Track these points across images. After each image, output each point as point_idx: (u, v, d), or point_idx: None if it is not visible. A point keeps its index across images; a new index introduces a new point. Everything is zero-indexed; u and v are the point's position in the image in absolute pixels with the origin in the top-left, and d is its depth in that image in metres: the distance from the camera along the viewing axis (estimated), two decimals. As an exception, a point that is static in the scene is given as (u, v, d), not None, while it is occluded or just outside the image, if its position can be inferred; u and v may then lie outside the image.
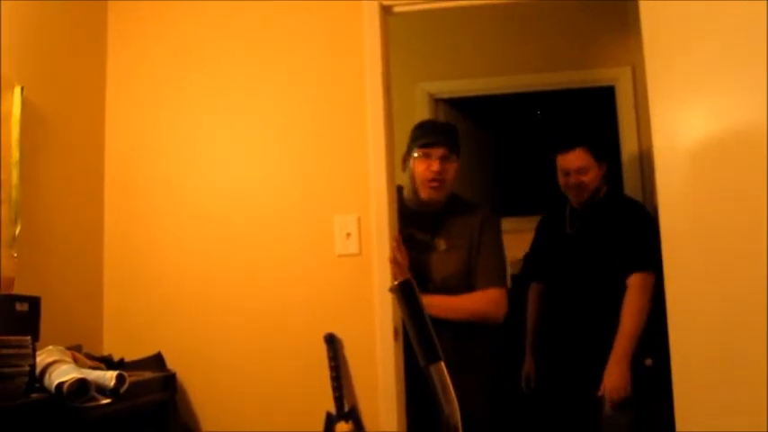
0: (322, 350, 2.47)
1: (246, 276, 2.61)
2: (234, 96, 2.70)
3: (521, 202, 4.69)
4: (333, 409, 2.44)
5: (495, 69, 4.15)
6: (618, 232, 3.00)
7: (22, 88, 2.26)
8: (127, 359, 2.39)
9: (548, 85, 4.19)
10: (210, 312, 2.62)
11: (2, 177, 2.16)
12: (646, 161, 3.72)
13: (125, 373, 1.90)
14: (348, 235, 2.54)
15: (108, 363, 2.26)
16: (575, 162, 3.06)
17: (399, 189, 2.74)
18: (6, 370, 1.67)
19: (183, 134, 2.72)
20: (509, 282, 2.89)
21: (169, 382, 2.38)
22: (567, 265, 3.16)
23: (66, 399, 1.73)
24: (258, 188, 2.65)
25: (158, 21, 2.79)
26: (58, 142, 2.51)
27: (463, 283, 2.64)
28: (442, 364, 1.16)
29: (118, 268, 2.70)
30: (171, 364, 2.50)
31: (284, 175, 2.64)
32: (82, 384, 1.76)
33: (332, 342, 2.47)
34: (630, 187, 3.85)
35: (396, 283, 1.22)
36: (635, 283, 2.89)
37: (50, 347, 1.94)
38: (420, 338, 1.18)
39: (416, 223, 2.69)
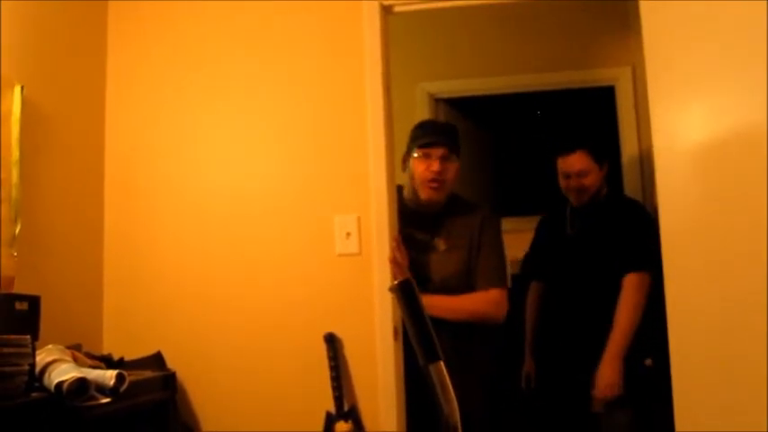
0: (322, 349, 2.47)
1: (246, 275, 2.62)
2: (234, 96, 2.70)
3: (521, 201, 4.69)
4: (332, 409, 2.44)
5: (494, 69, 4.14)
6: (617, 232, 3.00)
7: (23, 87, 2.26)
8: (127, 358, 2.39)
9: (548, 85, 4.19)
10: (210, 311, 2.62)
11: (2, 176, 2.16)
12: (646, 161, 3.71)
13: (125, 373, 1.90)
14: (348, 234, 2.54)
15: (108, 362, 2.26)
16: (575, 165, 3.06)
17: (399, 188, 2.74)
18: (6, 369, 1.67)
19: (182, 133, 2.72)
20: (509, 282, 2.88)
21: (169, 382, 2.38)
22: (568, 266, 3.16)
23: (65, 398, 1.73)
24: (258, 187, 2.65)
25: (158, 21, 2.79)
26: (59, 141, 2.51)
27: (463, 284, 2.64)
28: (442, 363, 1.17)
29: (118, 267, 2.70)
30: (171, 363, 2.50)
31: (284, 175, 2.64)
32: (82, 383, 1.76)
33: (332, 341, 2.47)
34: (630, 187, 3.85)
35: (395, 282, 1.22)
36: (630, 283, 2.90)
37: (50, 346, 1.94)
38: (419, 338, 1.18)
39: (416, 223, 2.69)
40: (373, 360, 2.48)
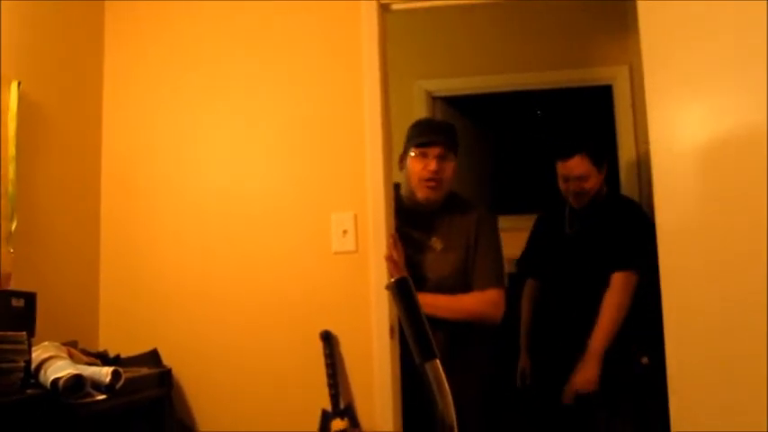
0: (318, 347, 2.47)
1: (243, 273, 2.61)
2: (231, 94, 2.70)
3: (518, 200, 4.69)
4: (328, 406, 2.44)
5: (492, 67, 4.14)
6: (611, 232, 3.02)
7: (20, 83, 2.26)
8: (123, 355, 2.39)
9: (545, 84, 4.18)
10: (207, 309, 2.62)
11: (-2, 173, 2.16)
12: (643, 160, 3.72)
13: (121, 370, 1.90)
14: (345, 232, 2.54)
15: (104, 359, 2.27)
16: (575, 170, 3.06)
17: (396, 186, 2.74)
18: (2, 365, 1.67)
19: (179, 131, 2.72)
20: (506, 281, 2.88)
21: (165, 379, 2.38)
22: (565, 265, 3.16)
23: (61, 395, 1.73)
24: (255, 185, 2.65)
25: (155, 20, 2.78)
26: (56, 138, 2.51)
27: (459, 284, 2.63)
28: (438, 361, 1.17)
29: (114, 264, 2.70)
30: (167, 360, 2.50)
31: (281, 173, 2.64)
32: (77, 380, 1.76)
33: (328, 339, 2.47)
34: (627, 186, 3.85)
35: (392, 280, 1.22)
36: (616, 282, 2.92)
37: (46, 343, 1.94)
38: (416, 336, 1.18)
39: (413, 222, 2.69)
40: (369, 358, 2.48)
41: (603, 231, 3.05)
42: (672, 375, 2.18)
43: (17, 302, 1.93)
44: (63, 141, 2.55)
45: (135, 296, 2.67)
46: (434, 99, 4.27)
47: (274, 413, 2.51)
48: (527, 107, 5.31)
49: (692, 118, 2.23)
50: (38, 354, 1.85)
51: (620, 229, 3.01)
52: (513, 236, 3.35)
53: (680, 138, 2.24)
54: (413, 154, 2.67)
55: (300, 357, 2.51)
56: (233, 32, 2.72)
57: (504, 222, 2.87)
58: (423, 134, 2.69)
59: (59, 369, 1.78)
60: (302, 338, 2.51)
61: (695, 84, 2.21)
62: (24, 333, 1.77)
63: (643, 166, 3.73)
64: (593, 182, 3.07)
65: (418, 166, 2.65)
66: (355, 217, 2.54)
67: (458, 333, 2.53)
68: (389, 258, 2.48)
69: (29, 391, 1.76)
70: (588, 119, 4.33)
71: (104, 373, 1.86)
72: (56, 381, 1.73)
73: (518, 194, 4.87)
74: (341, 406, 2.45)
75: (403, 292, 1.20)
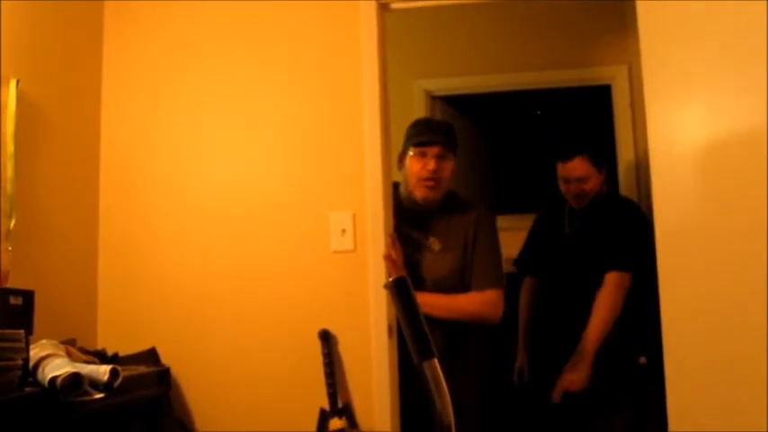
0: (316, 346, 2.47)
1: (241, 272, 2.61)
2: (230, 93, 2.70)
3: (517, 199, 4.69)
4: (326, 405, 2.44)
5: (491, 67, 4.14)
6: (608, 232, 3.02)
7: (18, 81, 2.25)
8: (121, 354, 2.39)
9: (544, 83, 4.18)
10: (205, 307, 2.62)
11: (-3, 171, 2.16)
12: (641, 159, 3.72)
13: (119, 368, 1.90)
14: (343, 231, 2.54)
15: (102, 357, 2.26)
16: (575, 171, 3.07)
17: (396, 186, 2.74)
18: (0, 363, 1.66)
19: (177, 130, 2.72)
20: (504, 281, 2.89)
21: (163, 377, 2.38)
22: (564, 264, 3.16)
23: (59, 393, 1.73)
24: (253, 184, 2.65)
25: (155, 20, 2.78)
26: (54, 137, 2.51)
27: (457, 284, 2.63)
28: (435, 360, 1.17)
29: (112, 262, 2.70)
30: (165, 358, 2.50)
31: (280, 172, 2.64)
32: (75, 378, 1.75)
33: (326, 338, 2.47)
34: (626, 186, 3.85)
35: (390, 279, 1.22)
36: (608, 282, 2.92)
37: (44, 341, 1.94)
38: (414, 335, 1.18)
39: (411, 222, 2.69)
40: (368, 357, 2.48)
41: (602, 231, 3.05)
42: (670, 375, 2.18)
43: (15, 300, 1.93)
44: (62, 139, 2.55)
45: (133, 294, 2.66)
46: (433, 98, 4.26)
47: (272, 412, 2.51)
48: (526, 107, 5.31)
49: (692, 118, 2.23)
50: (36, 352, 1.85)
51: (616, 230, 3.01)
52: (512, 235, 3.35)
53: (679, 138, 2.24)
54: (412, 153, 2.67)
55: (299, 356, 2.51)
56: (232, 31, 2.72)
57: (502, 222, 2.87)
58: (422, 134, 2.69)
59: (57, 367, 1.78)
60: (300, 337, 2.51)
61: (695, 84, 2.21)
62: (22, 331, 1.76)
63: (641, 166, 3.73)
64: (594, 183, 3.07)
65: (417, 166, 2.65)
66: (354, 216, 2.54)
67: (455, 333, 2.53)
68: (388, 258, 2.48)
69: (27, 389, 1.75)
70: (587, 118, 4.33)
71: (102, 371, 1.85)
72: (54, 379, 1.73)
73: (517, 194, 4.87)
74: (339, 405, 2.45)
75: (401, 291, 1.20)
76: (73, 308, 2.57)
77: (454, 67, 4.18)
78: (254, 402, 2.54)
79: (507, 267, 2.87)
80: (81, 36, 2.72)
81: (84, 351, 2.18)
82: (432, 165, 2.62)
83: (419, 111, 4.07)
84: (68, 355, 1.96)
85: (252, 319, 2.58)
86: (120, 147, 2.75)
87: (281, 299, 2.57)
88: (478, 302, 2.62)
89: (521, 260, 3.42)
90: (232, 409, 2.55)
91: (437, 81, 4.23)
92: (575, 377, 2.90)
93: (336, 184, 2.58)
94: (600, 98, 4.07)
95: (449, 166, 2.66)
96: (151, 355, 2.49)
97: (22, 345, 1.75)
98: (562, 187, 3.15)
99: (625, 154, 3.91)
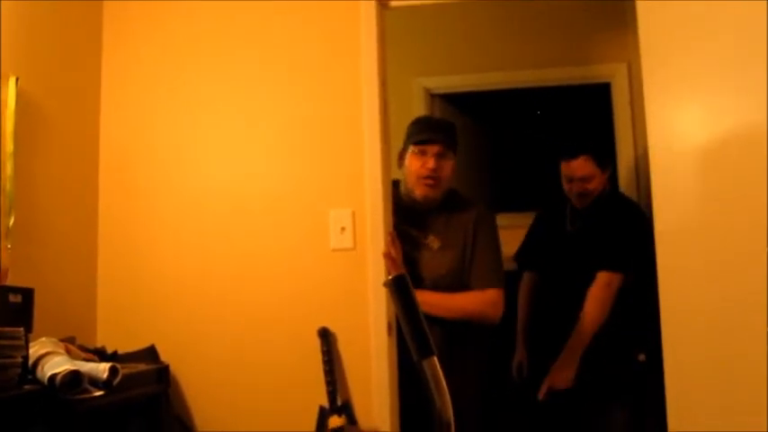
0: (316, 344, 2.47)
1: (241, 270, 2.61)
2: (229, 92, 2.69)
3: (518, 197, 4.69)
4: (326, 403, 2.44)
5: (491, 65, 4.14)
6: (605, 232, 3.02)
7: (17, 79, 2.25)
8: (120, 351, 2.39)
9: (544, 81, 4.18)
10: (204, 305, 2.61)
11: (-4, 168, 2.16)
12: (641, 158, 3.72)
13: (118, 366, 1.90)
14: (343, 229, 2.54)
15: (101, 355, 2.26)
16: (578, 171, 3.07)
17: (395, 184, 2.74)
18: (-1, 361, 1.67)
19: (177, 128, 2.72)
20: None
21: (162, 375, 2.38)
22: (565, 261, 3.16)
23: (58, 390, 1.73)
24: (253, 182, 2.65)
25: (154, 19, 2.77)
26: (54, 135, 2.51)
27: (455, 283, 2.62)
28: (435, 358, 1.17)
29: (112, 260, 2.69)
30: (164, 356, 2.50)
31: (279, 170, 2.64)
32: (75, 376, 1.76)
33: (326, 336, 2.47)
34: (625, 184, 3.85)
35: (390, 277, 1.22)
36: (598, 281, 2.93)
37: (43, 339, 1.94)
38: (413, 333, 1.18)
39: (411, 220, 2.68)
40: (367, 355, 2.48)
41: (602, 231, 3.05)
42: (669, 375, 2.18)
43: (15, 298, 1.93)
44: (61, 137, 2.55)
45: (133, 292, 2.66)
46: (433, 96, 4.27)
47: (272, 410, 2.51)
48: (526, 104, 5.30)
49: (692, 117, 2.23)
50: (35, 349, 1.85)
51: (612, 230, 3.01)
52: (512, 233, 3.35)
53: (679, 137, 2.24)
54: (412, 151, 2.66)
55: (298, 354, 2.51)
56: (232, 31, 2.71)
57: (503, 220, 2.87)
58: (422, 132, 2.69)
59: (57, 365, 1.78)
60: (300, 335, 2.51)
61: (694, 83, 2.20)
62: (22, 329, 1.76)
63: (641, 164, 3.73)
64: (597, 183, 3.07)
65: (417, 164, 2.64)
66: (353, 214, 2.54)
67: (454, 332, 2.53)
68: (387, 255, 2.47)
69: (26, 386, 1.76)
70: (587, 116, 4.32)
71: (102, 369, 1.85)
72: (53, 376, 1.73)
73: (517, 192, 4.86)
74: (338, 403, 2.45)
75: (401, 289, 1.20)
76: (72, 306, 2.57)
77: (454, 64, 4.18)
78: (253, 399, 2.54)
79: (507, 265, 2.86)
80: (80, 34, 2.72)
81: (83, 349, 2.18)
82: (431, 163, 2.61)
83: (419, 109, 4.07)
84: (68, 352, 1.96)
85: (251, 317, 2.58)
86: (119, 145, 2.75)
87: (280, 296, 2.57)
88: (479, 302, 2.61)
89: (520, 255, 3.42)
90: (231, 407, 2.55)
91: (437, 79, 4.23)
92: (560, 376, 2.91)
93: (336, 182, 2.58)
94: (599, 96, 4.07)
95: (449, 164, 2.66)
96: (150, 353, 2.49)
97: (22, 342, 1.75)
98: (565, 186, 3.15)
99: (624, 152, 3.91)
